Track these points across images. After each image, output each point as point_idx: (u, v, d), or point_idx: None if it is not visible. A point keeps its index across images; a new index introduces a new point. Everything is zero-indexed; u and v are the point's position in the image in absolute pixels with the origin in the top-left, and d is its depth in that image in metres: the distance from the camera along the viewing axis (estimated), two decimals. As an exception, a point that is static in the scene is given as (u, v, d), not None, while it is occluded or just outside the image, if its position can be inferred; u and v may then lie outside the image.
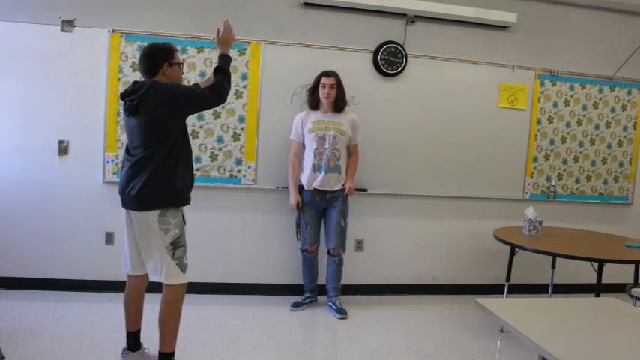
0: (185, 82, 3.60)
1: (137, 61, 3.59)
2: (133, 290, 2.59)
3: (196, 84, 2.95)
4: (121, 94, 2.48)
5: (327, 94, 3.55)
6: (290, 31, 3.85)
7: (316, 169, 3.60)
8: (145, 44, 2.54)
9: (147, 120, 2.36)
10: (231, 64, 3.83)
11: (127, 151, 2.49)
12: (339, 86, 3.59)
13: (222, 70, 2.55)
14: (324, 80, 3.56)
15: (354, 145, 3.71)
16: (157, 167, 2.36)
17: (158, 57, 2.46)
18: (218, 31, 2.63)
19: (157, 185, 2.37)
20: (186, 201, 2.50)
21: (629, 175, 4.50)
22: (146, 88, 2.36)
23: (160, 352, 2.45)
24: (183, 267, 2.45)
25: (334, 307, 3.66)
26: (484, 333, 3.41)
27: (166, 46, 2.52)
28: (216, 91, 2.48)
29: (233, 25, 2.66)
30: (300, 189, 3.67)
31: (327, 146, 3.58)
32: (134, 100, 2.37)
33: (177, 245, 2.42)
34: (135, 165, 2.39)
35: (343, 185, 3.64)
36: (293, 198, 3.65)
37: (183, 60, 2.62)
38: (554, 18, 4.25)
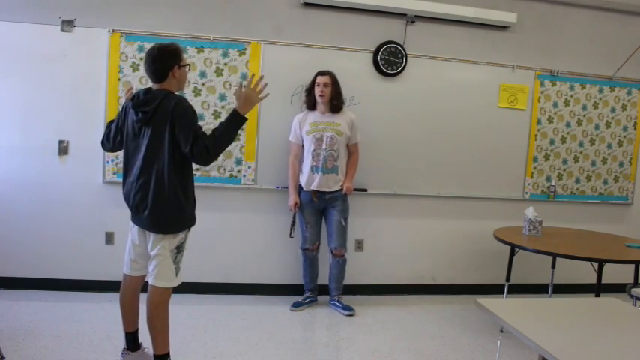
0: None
1: (137, 61, 3.63)
2: (128, 290, 2.57)
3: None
4: (134, 103, 2.37)
5: (322, 92, 3.55)
6: (290, 31, 3.85)
7: (314, 170, 3.60)
8: (151, 45, 2.46)
9: (156, 134, 2.31)
10: (232, 64, 3.85)
11: (132, 161, 2.41)
12: (334, 85, 3.59)
13: (221, 131, 2.30)
14: (318, 79, 3.58)
15: (353, 145, 3.71)
16: (169, 190, 2.32)
17: (169, 60, 2.38)
18: (241, 85, 2.40)
19: (171, 213, 2.36)
20: (194, 222, 2.49)
21: (629, 175, 4.50)
22: (160, 99, 2.31)
23: (154, 354, 2.44)
24: (178, 271, 2.44)
25: (339, 305, 3.68)
26: (484, 333, 3.41)
27: (175, 47, 2.43)
28: (207, 148, 2.24)
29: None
30: (300, 189, 3.68)
31: (324, 147, 3.58)
32: (148, 112, 2.32)
33: (180, 249, 2.43)
34: (145, 185, 2.34)
35: (341, 185, 3.64)
36: (292, 199, 3.67)
37: (188, 64, 2.58)
38: (554, 18, 4.25)
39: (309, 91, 3.64)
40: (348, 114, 3.68)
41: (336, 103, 3.61)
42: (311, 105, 3.66)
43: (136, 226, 2.49)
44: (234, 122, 2.34)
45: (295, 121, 3.68)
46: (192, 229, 2.51)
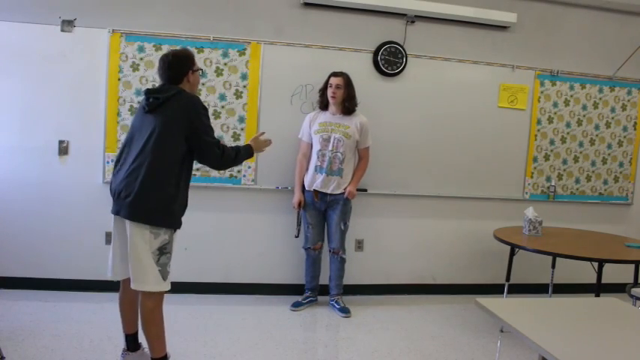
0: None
1: (137, 61, 3.63)
2: (126, 294, 2.54)
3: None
4: (147, 90, 2.50)
5: (333, 94, 3.55)
6: (290, 31, 3.85)
7: (318, 170, 3.60)
8: (165, 51, 2.56)
9: (163, 123, 2.32)
10: (232, 64, 3.86)
11: (127, 150, 2.42)
12: (346, 87, 3.57)
13: (239, 151, 2.60)
14: (331, 80, 3.58)
15: (363, 149, 3.69)
16: (159, 181, 2.31)
17: (183, 65, 2.45)
18: (263, 134, 2.88)
19: (156, 203, 2.30)
20: (179, 225, 2.42)
21: (629, 175, 4.50)
22: (174, 92, 2.37)
23: (152, 358, 2.43)
24: (165, 274, 2.37)
25: (337, 307, 3.67)
26: (484, 333, 3.41)
27: (188, 53, 2.53)
28: (224, 153, 2.47)
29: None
30: (304, 188, 3.68)
31: (330, 148, 3.57)
32: (159, 98, 2.37)
33: (163, 251, 2.35)
34: (136, 171, 2.31)
35: (344, 189, 3.62)
36: (296, 197, 3.67)
37: (201, 68, 2.63)
38: (554, 18, 4.25)
39: (323, 91, 3.64)
40: (359, 117, 3.64)
41: (347, 105, 3.59)
42: (324, 105, 3.66)
43: (116, 222, 2.43)
44: (248, 151, 2.71)
45: (306, 120, 3.68)
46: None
